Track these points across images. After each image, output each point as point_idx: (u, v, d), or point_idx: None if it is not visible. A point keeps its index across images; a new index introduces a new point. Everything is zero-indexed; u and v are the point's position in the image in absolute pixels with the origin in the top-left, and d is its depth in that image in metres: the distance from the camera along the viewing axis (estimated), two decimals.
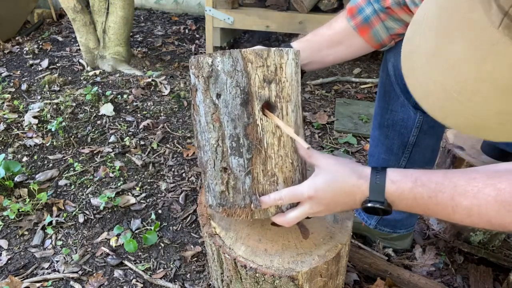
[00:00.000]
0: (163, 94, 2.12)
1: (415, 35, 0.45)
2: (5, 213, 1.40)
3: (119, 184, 1.55)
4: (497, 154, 1.19)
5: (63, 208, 1.45)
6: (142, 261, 1.26)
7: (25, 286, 1.16)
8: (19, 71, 2.47)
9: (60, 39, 2.97)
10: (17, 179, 1.56)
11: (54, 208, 1.44)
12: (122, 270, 1.22)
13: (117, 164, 1.63)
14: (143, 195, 1.51)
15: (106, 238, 1.33)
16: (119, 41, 2.40)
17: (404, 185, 0.64)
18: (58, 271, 1.22)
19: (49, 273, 1.22)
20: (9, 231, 1.37)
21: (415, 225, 1.27)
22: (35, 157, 1.70)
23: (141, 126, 1.87)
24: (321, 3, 2.45)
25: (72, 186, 1.55)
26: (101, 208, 1.43)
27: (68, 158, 1.69)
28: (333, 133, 1.92)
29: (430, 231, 1.35)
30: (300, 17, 2.40)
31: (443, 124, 0.44)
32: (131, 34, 2.72)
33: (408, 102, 0.96)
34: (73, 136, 1.79)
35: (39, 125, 1.85)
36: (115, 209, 1.44)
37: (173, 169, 1.65)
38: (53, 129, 1.80)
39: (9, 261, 1.26)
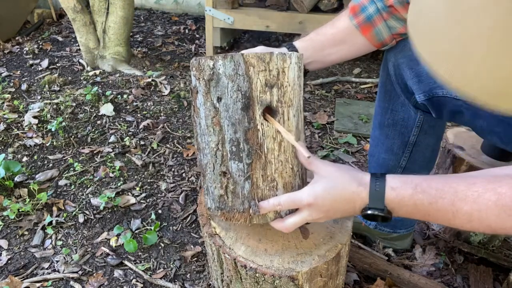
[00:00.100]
0: (163, 94, 2.12)
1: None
2: (5, 213, 1.40)
3: (119, 184, 1.55)
4: (497, 154, 1.19)
5: (63, 208, 1.45)
6: (142, 261, 1.26)
7: (25, 286, 1.16)
8: (19, 71, 2.47)
9: (60, 39, 2.97)
10: (17, 179, 1.56)
11: (54, 208, 1.44)
12: (122, 270, 1.22)
13: (117, 164, 1.63)
14: (143, 195, 1.51)
15: (106, 238, 1.33)
16: (119, 41, 2.40)
17: (404, 191, 0.63)
18: (58, 271, 1.22)
19: (49, 273, 1.22)
20: (9, 231, 1.37)
21: (415, 225, 1.27)
22: (35, 157, 1.70)
23: (141, 126, 1.87)
24: (321, 3, 2.45)
25: (72, 186, 1.55)
26: (101, 208, 1.43)
27: (68, 158, 1.69)
28: (333, 133, 1.92)
29: (430, 231, 1.35)
30: (300, 17, 2.40)
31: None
32: (131, 34, 2.72)
33: (409, 102, 0.96)
34: (73, 136, 1.79)
35: (39, 125, 1.85)
36: (115, 209, 1.44)
37: (173, 169, 1.65)
38: (53, 129, 1.80)
39: (9, 261, 1.26)
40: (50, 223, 1.38)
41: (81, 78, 2.32)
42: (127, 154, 1.71)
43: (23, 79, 2.36)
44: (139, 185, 1.55)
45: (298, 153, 0.73)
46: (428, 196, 0.61)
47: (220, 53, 2.63)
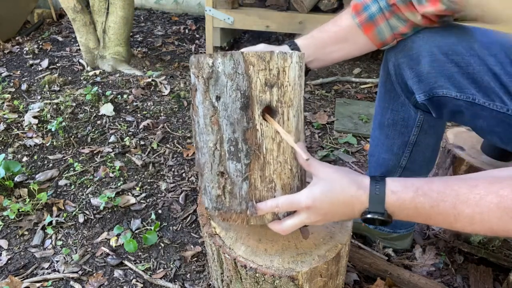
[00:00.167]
0: (163, 94, 2.12)
1: None
2: (5, 213, 1.40)
3: (119, 184, 1.55)
4: (497, 154, 1.19)
5: (63, 208, 1.45)
6: (142, 261, 1.26)
7: (25, 286, 1.16)
8: (19, 71, 2.47)
9: (60, 39, 2.97)
10: (17, 179, 1.56)
11: (54, 208, 1.44)
12: (122, 270, 1.22)
13: (117, 164, 1.63)
14: (143, 195, 1.51)
15: (106, 238, 1.33)
16: (119, 41, 2.40)
17: (405, 195, 0.63)
18: (58, 271, 1.22)
19: (49, 273, 1.22)
20: (9, 231, 1.37)
21: (415, 225, 1.27)
22: (35, 157, 1.70)
23: (141, 126, 1.87)
24: (321, 3, 2.45)
25: (72, 186, 1.55)
26: (101, 208, 1.43)
27: (68, 158, 1.69)
28: (333, 133, 1.92)
29: (430, 231, 1.35)
30: (300, 17, 2.40)
31: None
32: (131, 34, 2.72)
33: (409, 102, 0.96)
34: (73, 136, 1.79)
35: (39, 125, 1.85)
36: (115, 209, 1.44)
37: (173, 169, 1.65)
38: (53, 129, 1.80)
39: (9, 261, 1.26)
40: (50, 223, 1.38)
41: (81, 78, 2.32)
42: (127, 154, 1.71)
43: (23, 79, 2.36)
44: (139, 185, 1.55)
45: (297, 155, 0.73)
46: (429, 199, 0.61)
47: None
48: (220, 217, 0.76)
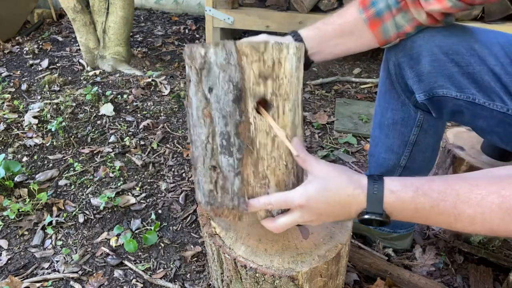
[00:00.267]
0: (163, 94, 2.12)
1: None
2: (5, 213, 1.40)
3: (119, 184, 1.55)
4: (497, 154, 1.19)
5: (63, 208, 1.45)
6: (142, 261, 1.26)
7: (25, 286, 1.16)
8: (19, 71, 2.47)
9: (60, 39, 2.97)
10: (17, 179, 1.56)
11: (54, 208, 1.44)
12: (122, 270, 1.22)
13: (117, 164, 1.63)
14: (143, 195, 1.51)
15: (106, 238, 1.33)
16: (119, 41, 2.40)
17: (405, 194, 0.61)
18: (58, 271, 1.22)
19: (49, 273, 1.22)
20: (9, 231, 1.37)
21: (415, 225, 1.27)
22: (35, 157, 1.70)
23: (141, 126, 1.87)
24: (321, 3, 2.45)
25: (72, 186, 1.55)
26: (101, 208, 1.43)
27: (68, 158, 1.69)
28: (333, 133, 1.92)
29: (430, 231, 1.35)
30: (300, 17, 2.40)
31: None
32: (131, 34, 2.72)
33: (409, 101, 0.96)
34: (73, 136, 1.79)
35: (39, 125, 1.85)
36: (115, 209, 1.44)
37: (173, 169, 1.65)
38: (53, 129, 1.80)
39: (9, 261, 1.26)
40: (50, 223, 1.38)
41: (81, 78, 2.32)
42: (127, 154, 1.71)
43: (23, 79, 2.36)
44: (139, 185, 1.55)
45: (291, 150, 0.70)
46: (429, 199, 0.59)
47: None
48: (212, 212, 0.74)
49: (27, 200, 1.45)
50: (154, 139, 1.80)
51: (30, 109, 1.96)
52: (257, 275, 0.76)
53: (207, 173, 0.71)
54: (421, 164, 1.07)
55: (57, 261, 1.26)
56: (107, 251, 1.28)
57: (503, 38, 0.83)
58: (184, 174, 1.62)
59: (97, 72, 2.36)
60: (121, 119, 1.91)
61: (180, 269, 1.23)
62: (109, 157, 1.69)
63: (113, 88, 2.15)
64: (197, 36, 3.15)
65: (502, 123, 0.82)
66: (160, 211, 1.44)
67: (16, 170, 1.53)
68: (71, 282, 1.18)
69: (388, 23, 0.85)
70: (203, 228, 0.88)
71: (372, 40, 0.88)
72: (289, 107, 0.69)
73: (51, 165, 1.66)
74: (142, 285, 1.17)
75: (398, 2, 0.83)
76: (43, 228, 1.37)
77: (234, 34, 2.96)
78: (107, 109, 1.94)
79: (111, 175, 1.59)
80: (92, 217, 1.41)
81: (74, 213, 1.43)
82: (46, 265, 1.25)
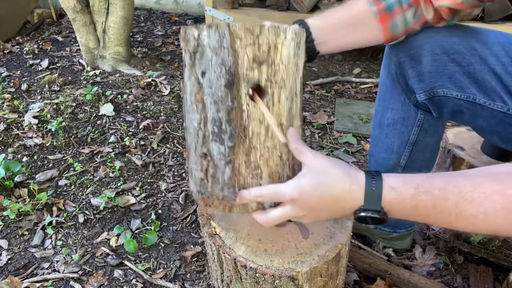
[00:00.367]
0: (163, 94, 2.12)
1: None
2: (5, 213, 1.40)
3: (119, 184, 1.55)
4: (497, 154, 1.19)
5: (63, 208, 1.45)
6: (142, 261, 1.26)
7: (25, 286, 1.16)
8: (19, 71, 2.47)
9: (60, 39, 2.97)
10: (17, 179, 1.56)
11: (54, 208, 1.44)
12: (122, 270, 1.22)
13: (117, 164, 1.63)
14: (143, 195, 1.51)
15: (106, 238, 1.33)
16: (119, 41, 2.40)
17: (405, 191, 0.58)
18: (58, 271, 1.22)
19: (49, 273, 1.21)
20: (9, 231, 1.37)
21: (415, 225, 1.27)
22: (35, 157, 1.70)
23: (141, 126, 1.87)
24: (321, 3, 2.45)
25: (72, 186, 1.55)
26: (101, 208, 1.43)
27: (68, 158, 1.68)
28: (333, 133, 1.92)
29: (430, 231, 1.35)
30: (300, 17, 2.37)
31: None
32: (131, 34, 2.72)
33: (409, 101, 0.96)
34: (73, 136, 1.79)
35: (39, 125, 1.85)
36: (115, 209, 1.44)
37: (173, 169, 1.65)
38: (53, 129, 1.80)
39: (9, 261, 1.26)
40: (50, 223, 1.38)
41: (81, 78, 2.32)
42: (127, 154, 1.71)
43: (23, 79, 2.36)
44: (139, 185, 1.55)
45: (288, 142, 0.67)
46: (431, 197, 0.57)
47: None
48: (202, 202, 0.71)
49: (27, 200, 1.45)
50: (154, 139, 1.80)
51: (30, 109, 1.96)
52: (257, 275, 0.76)
53: (198, 161, 0.68)
54: (421, 164, 1.07)
55: (57, 261, 1.25)
56: (107, 251, 1.28)
57: (503, 38, 0.83)
58: (184, 174, 1.62)
59: (97, 72, 2.36)
60: (121, 119, 1.91)
61: (180, 269, 1.23)
62: (109, 157, 1.69)
63: (113, 88, 2.15)
64: None
65: (502, 123, 0.82)
66: (160, 211, 1.44)
67: (16, 170, 1.53)
68: (71, 282, 1.18)
69: (397, 18, 0.83)
70: (203, 228, 0.88)
71: (379, 35, 0.86)
72: (286, 95, 0.65)
73: (51, 165, 1.66)
74: (142, 285, 1.17)
75: None
76: (43, 228, 1.37)
77: None
78: (107, 109, 1.94)
79: (111, 175, 1.59)
80: (92, 217, 1.41)
81: (74, 213, 1.43)
82: (46, 265, 1.25)
